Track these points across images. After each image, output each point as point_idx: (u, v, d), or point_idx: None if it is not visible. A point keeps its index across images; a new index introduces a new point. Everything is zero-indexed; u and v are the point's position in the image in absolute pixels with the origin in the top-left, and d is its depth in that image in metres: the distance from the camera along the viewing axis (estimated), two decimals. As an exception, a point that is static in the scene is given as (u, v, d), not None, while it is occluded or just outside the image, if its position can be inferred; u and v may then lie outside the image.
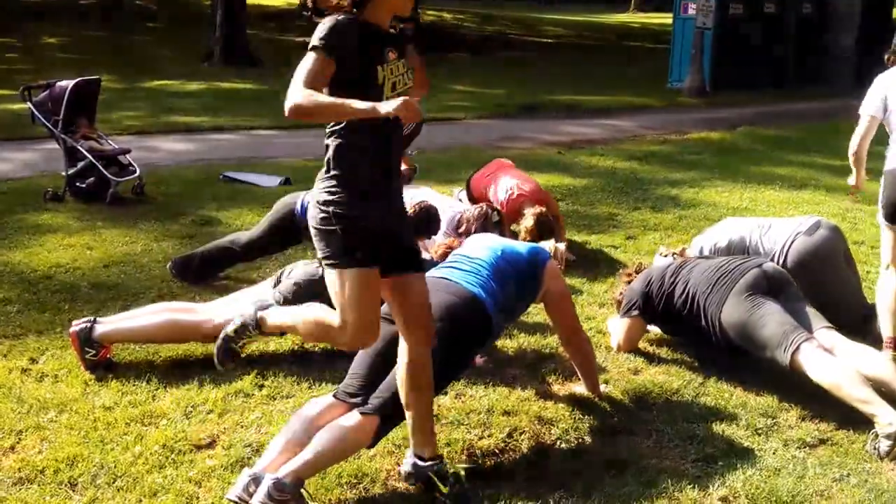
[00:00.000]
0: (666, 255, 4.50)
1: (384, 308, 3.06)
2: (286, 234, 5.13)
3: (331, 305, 3.90)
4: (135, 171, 7.00)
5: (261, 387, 3.85)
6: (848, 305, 4.39)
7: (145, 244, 5.89)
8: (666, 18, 36.97)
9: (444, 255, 4.13)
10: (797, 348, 3.51)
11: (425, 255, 4.39)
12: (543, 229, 5.37)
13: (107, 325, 4.06)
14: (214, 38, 17.86)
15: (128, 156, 7.12)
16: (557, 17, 36.57)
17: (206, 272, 5.23)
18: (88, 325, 4.01)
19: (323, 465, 3.01)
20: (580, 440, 3.45)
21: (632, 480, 3.12)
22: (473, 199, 6.20)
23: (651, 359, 4.19)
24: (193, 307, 4.25)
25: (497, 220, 5.39)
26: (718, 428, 3.50)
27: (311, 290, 3.98)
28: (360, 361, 3.24)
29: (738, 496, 3.03)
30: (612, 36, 30.52)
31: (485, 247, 3.67)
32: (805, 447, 3.37)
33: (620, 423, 3.58)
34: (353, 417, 3.04)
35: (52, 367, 4.02)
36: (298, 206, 4.99)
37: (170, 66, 16.75)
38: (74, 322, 4.08)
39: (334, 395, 3.18)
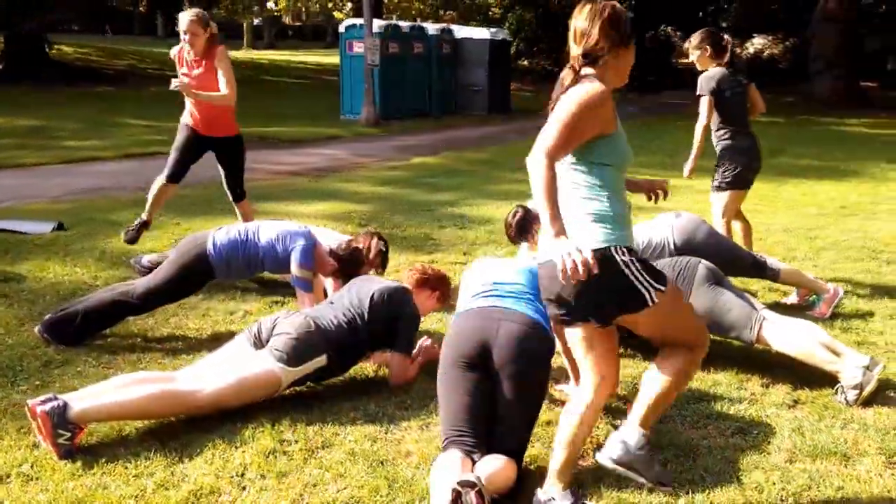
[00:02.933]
0: None
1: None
2: (197, 278, 4.48)
3: (336, 355, 3.58)
4: None
5: (287, 441, 3.36)
6: (741, 259, 5.00)
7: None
8: (288, 55, 37.64)
9: None
10: (760, 326, 3.96)
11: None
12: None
13: (83, 401, 3.24)
14: None
15: None
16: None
17: (90, 330, 4.38)
18: (60, 402, 3.18)
19: None
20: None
21: (687, 458, 3.27)
22: None
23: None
24: (171, 376, 3.55)
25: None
26: (720, 406, 3.78)
27: (310, 342, 3.59)
28: (457, 409, 3.06)
29: (797, 453, 3.33)
30: (256, 72, 30.35)
31: (513, 270, 3.58)
32: (789, 409, 3.81)
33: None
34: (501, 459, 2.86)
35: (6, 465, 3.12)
36: (210, 247, 4.40)
37: None
38: (35, 401, 3.21)
39: (457, 450, 2.93)
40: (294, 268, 4.41)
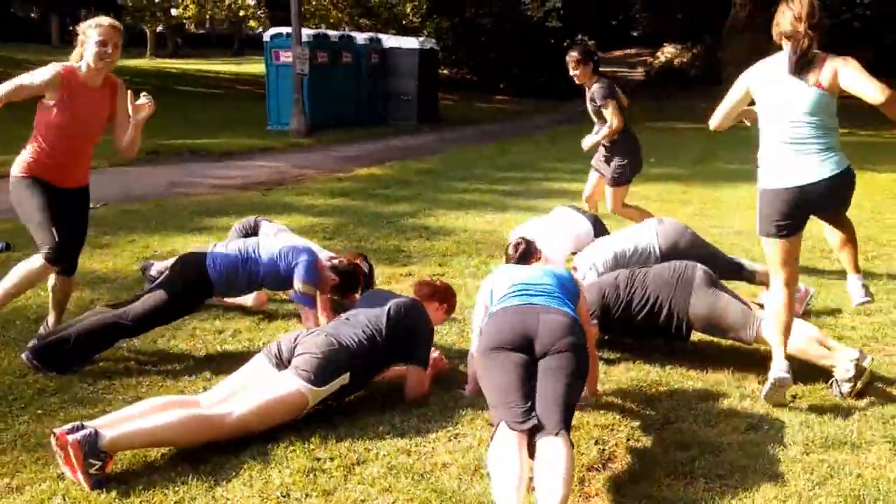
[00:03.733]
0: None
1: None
2: (196, 296, 4.42)
3: (357, 372, 3.64)
4: None
5: (321, 459, 3.36)
6: (723, 259, 5.24)
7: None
8: (196, 64, 36.92)
9: None
10: (759, 326, 4.17)
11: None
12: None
13: (114, 429, 3.17)
14: None
15: None
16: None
17: (81, 356, 4.26)
18: (91, 431, 3.11)
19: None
20: (639, 438, 3.67)
21: (712, 454, 3.42)
22: None
23: (609, 361, 4.51)
24: (194, 400, 3.51)
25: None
26: (726, 403, 3.97)
27: (335, 360, 3.61)
28: (508, 388, 3.12)
29: (810, 445, 3.52)
30: (166, 81, 29.68)
31: (539, 273, 3.69)
32: (790, 404, 4.01)
33: (657, 415, 3.88)
34: (558, 444, 2.93)
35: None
36: (210, 264, 4.35)
37: None
38: (62, 430, 3.13)
39: (511, 428, 3.00)
40: (298, 284, 4.39)
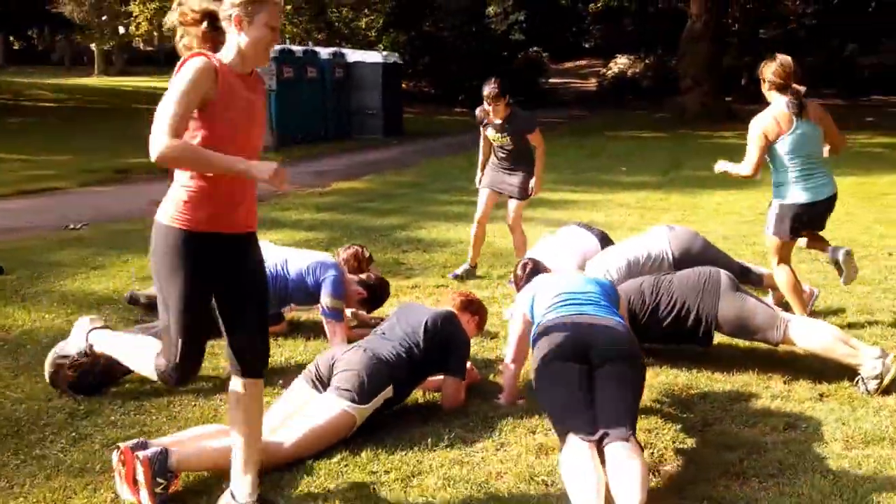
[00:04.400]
0: None
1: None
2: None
3: (399, 384, 3.67)
4: None
5: (377, 472, 3.34)
6: (732, 264, 5.32)
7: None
8: (149, 82, 36.52)
9: None
10: (786, 327, 4.27)
11: None
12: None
13: (180, 448, 3.13)
14: None
15: None
16: (32, 80, 33.73)
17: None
18: (160, 448, 3.06)
19: None
20: (684, 441, 3.73)
21: (759, 454, 3.49)
22: None
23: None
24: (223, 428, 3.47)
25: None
26: (760, 404, 4.04)
27: (376, 376, 3.61)
28: (571, 400, 3.13)
29: (851, 441, 3.61)
30: (113, 98, 29.25)
31: (581, 281, 3.73)
32: (819, 402, 4.12)
33: (695, 418, 3.93)
34: (629, 449, 2.96)
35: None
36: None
37: None
38: (127, 445, 3.09)
39: (582, 440, 3.02)
40: (326, 299, 4.37)
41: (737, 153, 5.45)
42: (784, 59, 4.93)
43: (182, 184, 2.85)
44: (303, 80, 18.20)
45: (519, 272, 4.97)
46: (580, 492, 2.82)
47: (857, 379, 4.19)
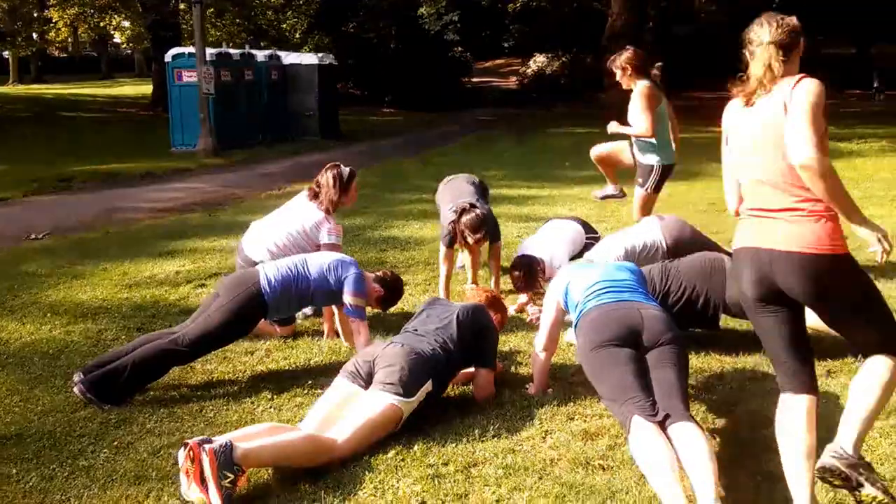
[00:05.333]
0: None
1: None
2: (252, 318, 4.30)
3: (438, 378, 3.73)
4: None
5: (434, 465, 3.36)
6: (719, 249, 5.37)
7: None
8: (67, 89, 35.35)
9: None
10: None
11: None
12: None
13: (244, 443, 3.09)
14: None
15: None
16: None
17: (136, 385, 4.09)
18: (225, 442, 3.02)
19: None
20: (714, 421, 3.86)
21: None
22: None
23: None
24: (296, 427, 3.48)
25: None
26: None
27: (418, 370, 3.62)
28: (631, 383, 3.22)
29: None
30: (34, 106, 28.18)
31: (613, 269, 3.82)
32: (828, 378, 4.31)
33: (719, 398, 4.07)
34: (693, 427, 3.05)
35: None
36: (265, 284, 4.24)
37: None
38: (194, 440, 3.04)
39: (649, 420, 3.10)
40: (349, 297, 4.35)
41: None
42: (636, 49, 6.13)
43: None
44: (240, 84, 17.88)
45: (516, 274, 5.13)
46: (658, 472, 2.90)
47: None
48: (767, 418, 3.71)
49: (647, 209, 6.28)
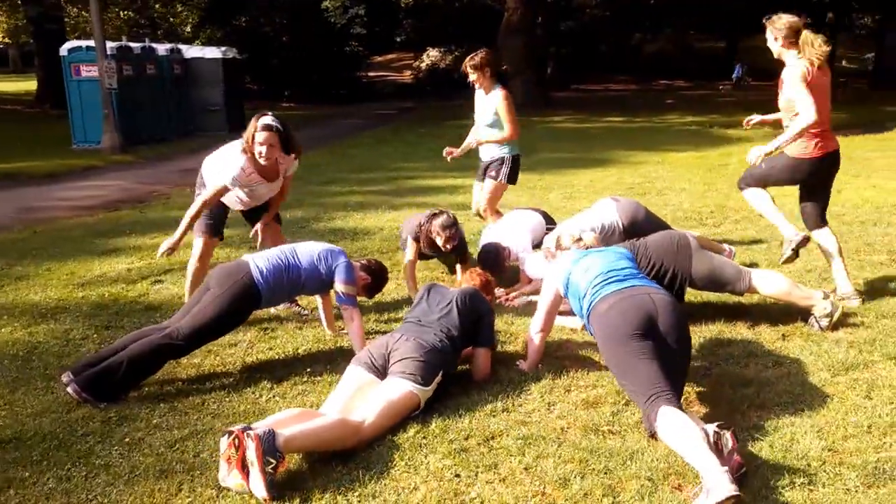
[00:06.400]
0: (570, 247, 5.18)
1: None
2: (246, 309, 4.25)
3: (448, 367, 3.86)
4: None
5: (455, 440, 3.46)
6: (669, 227, 5.73)
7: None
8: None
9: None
10: (750, 278, 4.75)
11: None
12: None
13: (284, 429, 3.09)
14: None
15: None
16: None
17: (131, 382, 3.99)
18: (267, 429, 3.03)
19: None
20: (700, 383, 4.09)
21: (767, 387, 3.91)
22: None
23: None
24: (318, 412, 3.50)
25: None
26: (741, 347, 4.47)
27: (433, 360, 3.73)
28: (657, 375, 3.37)
29: (834, 369, 4.08)
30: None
31: (613, 258, 3.98)
32: (785, 340, 4.61)
33: (697, 366, 4.30)
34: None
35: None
36: (257, 275, 4.20)
37: None
38: (237, 427, 3.05)
39: (676, 407, 3.26)
40: (340, 286, 4.36)
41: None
42: (487, 50, 6.40)
43: None
44: (142, 78, 17.26)
45: (482, 257, 5.29)
46: (693, 446, 3.03)
47: (810, 319, 4.75)
48: (743, 380, 4.02)
49: (496, 201, 6.64)
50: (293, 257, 4.35)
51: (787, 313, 4.91)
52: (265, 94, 31.90)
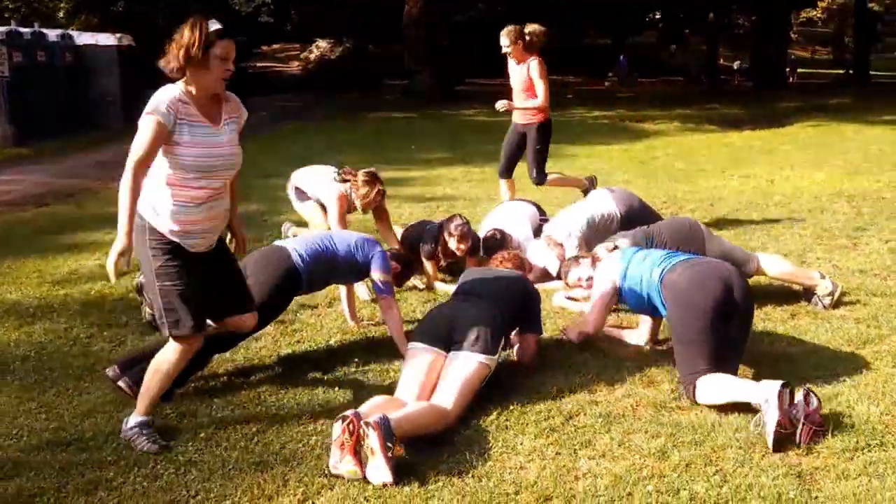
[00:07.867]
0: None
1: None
2: (289, 296, 4.27)
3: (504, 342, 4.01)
4: None
5: (535, 421, 3.60)
6: (659, 217, 5.99)
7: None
8: None
9: None
10: (758, 261, 5.11)
11: None
12: None
13: (391, 415, 3.15)
14: None
15: None
16: None
17: (185, 377, 3.91)
18: (382, 414, 3.09)
19: None
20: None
21: (797, 363, 4.23)
22: None
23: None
24: (396, 398, 3.59)
25: None
26: (759, 326, 4.83)
27: (496, 332, 3.84)
28: (725, 359, 3.72)
29: (853, 343, 4.46)
30: None
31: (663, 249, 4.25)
32: (795, 319, 4.97)
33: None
34: None
35: None
36: (298, 260, 4.20)
37: None
38: (350, 413, 3.12)
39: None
40: (378, 274, 4.40)
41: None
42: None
43: None
44: (33, 66, 16.35)
45: (487, 236, 5.45)
46: (735, 387, 3.53)
47: (813, 298, 5.15)
48: (773, 357, 4.32)
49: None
50: (331, 243, 4.39)
51: (787, 294, 5.29)
52: (153, 84, 30.77)
